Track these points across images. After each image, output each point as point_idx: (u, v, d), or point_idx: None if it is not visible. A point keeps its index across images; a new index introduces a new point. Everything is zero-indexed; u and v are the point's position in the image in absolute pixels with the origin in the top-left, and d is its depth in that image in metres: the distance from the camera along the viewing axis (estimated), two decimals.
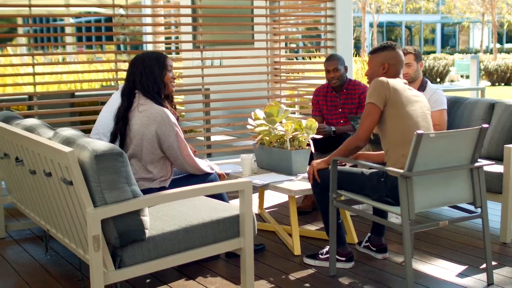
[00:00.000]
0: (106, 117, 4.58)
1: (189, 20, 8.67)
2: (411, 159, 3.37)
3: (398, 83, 3.81)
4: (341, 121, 5.71)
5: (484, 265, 4.01)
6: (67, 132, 3.51)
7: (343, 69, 5.64)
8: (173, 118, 3.95)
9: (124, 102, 4.02)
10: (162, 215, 3.50)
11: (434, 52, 46.33)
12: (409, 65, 5.19)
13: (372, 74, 3.98)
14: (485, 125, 3.61)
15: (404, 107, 3.74)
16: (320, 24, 7.51)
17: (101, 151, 3.04)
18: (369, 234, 4.44)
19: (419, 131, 3.32)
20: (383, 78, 3.79)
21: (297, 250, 4.41)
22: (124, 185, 3.12)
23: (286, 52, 8.59)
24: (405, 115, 3.73)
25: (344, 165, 4.25)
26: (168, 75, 4.07)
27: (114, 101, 4.56)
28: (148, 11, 9.99)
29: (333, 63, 5.62)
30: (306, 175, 4.60)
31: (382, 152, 3.99)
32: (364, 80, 11.30)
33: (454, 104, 5.53)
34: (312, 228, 5.07)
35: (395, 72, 3.94)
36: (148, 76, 3.98)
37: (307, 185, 4.33)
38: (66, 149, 3.02)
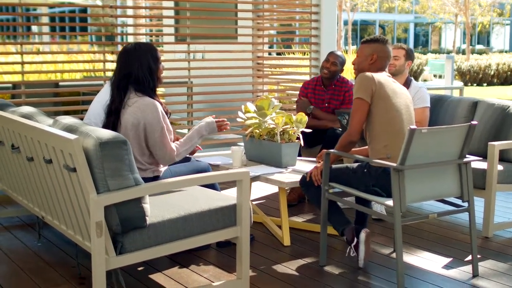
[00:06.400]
0: (98, 107, 4.61)
1: (171, 13, 8.70)
2: (404, 153, 3.48)
3: (382, 76, 3.95)
4: None
5: (469, 257, 4.14)
6: (68, 120, 3.55)
7: (340, 67, 5.82)
8: (162, 112, 3.97)
9: (118, 96, 3.99)
10: (161, 203, 3.56)
11: None
12: (397, 58, 5.31)
13: (360, 62, 4.11)
14: (474, 122, 3.74)
15: (390, 99, 3.87)
16: (305, 20, 7.60)
17: (106, 139, 3.09)
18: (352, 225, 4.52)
19: (412, 126, 3.44)
20: (368, 73, 3.91)
21: (286, 241, 4.50)
22: (127, 173, 3.17)
23: (269, 47, 8.67)
24: (390, 106, 3.86)
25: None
26: (161, 68, 4.10)
27: (106, 91, 4.60)
28: (131, 4, 9.98)
29: (335, 57, 5.83)
30: (295, 167, 4.69)
31: (365, 148, 4.11)
32: None
33: (438, 102, 5.67)
34: (299, 220, 5.17)
35: (381, 65, 4.06)
36: (145, 72, 3.97)
37: (298, 177, 4.41)
38: (72, 136, 3.07)
